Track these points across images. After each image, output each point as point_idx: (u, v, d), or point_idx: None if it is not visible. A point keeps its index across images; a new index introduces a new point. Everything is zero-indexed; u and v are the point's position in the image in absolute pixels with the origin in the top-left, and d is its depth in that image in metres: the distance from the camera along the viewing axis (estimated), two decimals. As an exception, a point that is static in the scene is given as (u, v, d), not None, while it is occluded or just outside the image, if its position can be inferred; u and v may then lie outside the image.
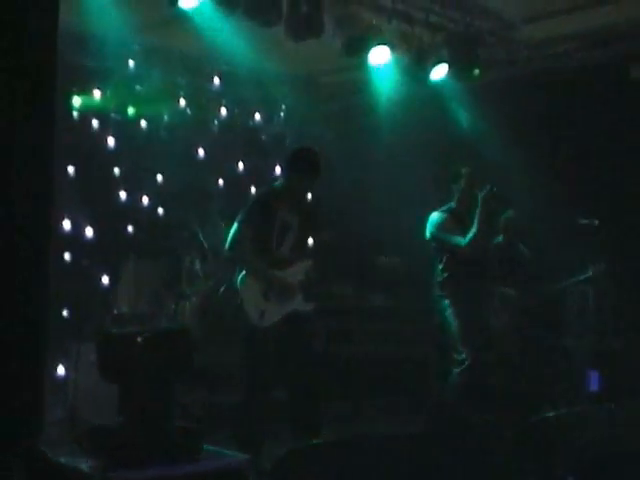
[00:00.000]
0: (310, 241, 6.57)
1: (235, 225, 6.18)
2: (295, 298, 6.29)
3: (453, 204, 7.09)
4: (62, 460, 4.23)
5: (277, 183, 6.44)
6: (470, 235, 6.82)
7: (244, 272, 6.17)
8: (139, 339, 4.16)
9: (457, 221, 6.97)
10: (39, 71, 4.64)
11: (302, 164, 6.26)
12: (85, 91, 8.47)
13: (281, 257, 6.28)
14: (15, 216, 4.51)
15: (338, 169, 9.43)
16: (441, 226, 6.98)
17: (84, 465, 4.10)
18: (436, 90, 8.72)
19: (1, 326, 4.37)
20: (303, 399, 6.18)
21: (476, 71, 8.59)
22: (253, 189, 9.14)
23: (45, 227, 4.66)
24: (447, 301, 6.96)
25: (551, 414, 5.95)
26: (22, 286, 4.47)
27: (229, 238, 6.18)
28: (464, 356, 6.75)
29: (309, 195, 7.43)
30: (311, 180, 6.33)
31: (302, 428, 6.04)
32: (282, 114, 10.07)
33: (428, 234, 7.03)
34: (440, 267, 7.04)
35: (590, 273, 7.72)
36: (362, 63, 8.16)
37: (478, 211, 6.79)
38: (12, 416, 4.29)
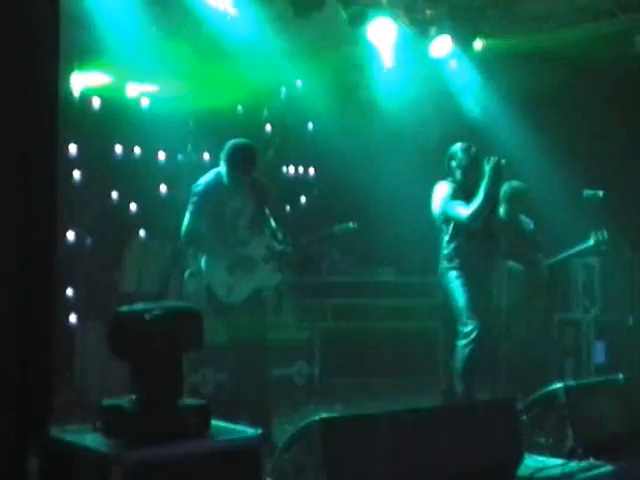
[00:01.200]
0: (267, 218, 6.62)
1: (187, 216, 6.31)
2: (260, 271, 6.38)
3: (458, 176, 7.03)
4: (73, 440, 4.21)
5: (221, 170, 6.47)
6: (475, 205, 6.77)
7: (205, 256, 6.30)
8: (148, 316, 4.15)
9: (463, 192, 6.92)
10: (43, 49, 4.59)
11: (237, 162, 6.36)
12: (85, 69, 8.38)
13: (238, 239, 6.38)
14: (20, 194, 4.47)
15: (340, 143, 9.41)
16: (446, 197, 6.92)
17: (97, 444, 4.09)
18: (439, 63, 8.68)
19: (7, 308, 4.35)
20: (252, 384, 6.24)
21: (479, 43, 8.55)
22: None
23: (51, 207, 4.63)
24: (454, 273, 6.92)
25: (559, 386, 5.94)
26: (28, 267, 4.45)
27: (183, 229, 6.33)
28: (470, 328, 6.73)
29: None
30: (247, 174, 6.41)
31: (251, 415, 6.01)
32: (283, 89, 10.02)
33: (434, 205, 6.98)
34: (446, 239, 6.99)
35: (592, 242, 7.70)
36: (364, 36, 8.12)
37: (484, 182, 6.75)
38: (20, 399, 4.28)
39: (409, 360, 8.43)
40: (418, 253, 8.33)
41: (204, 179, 6.46)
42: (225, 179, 6.40)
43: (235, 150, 6.40)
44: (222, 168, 6.44)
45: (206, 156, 9.18)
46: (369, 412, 5.31)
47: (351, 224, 6.78)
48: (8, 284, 4.28)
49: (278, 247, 6.48)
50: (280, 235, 6.56)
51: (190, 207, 6.32)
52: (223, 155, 6.42)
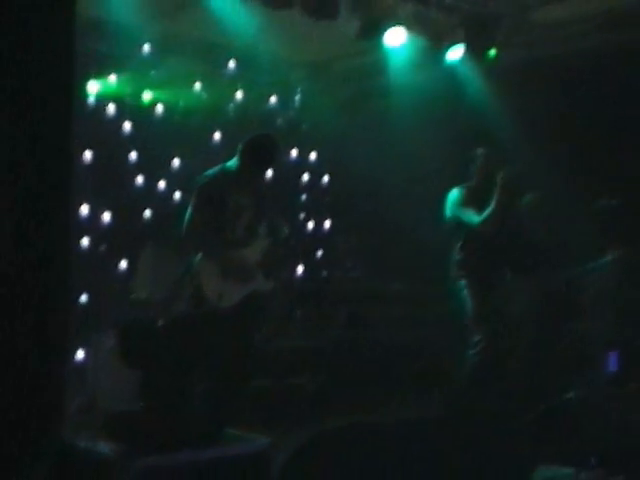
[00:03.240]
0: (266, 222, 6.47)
1: (189, 209, 6.15)
2: (254, 277, 6.22)
3: (472, 184, 7.03)
4: (85, 447, 4.24)
5: (229, 164, 6.31)
6: (486, 213, 6.75)
7: (200, 255, 6.13)
8: (160, 325, 4.18)
9: (475, 200, 6.91)
10: (58, 58, 4.62)
11: (256, 154, 6.20)
12: (101, 77, 8.44)
13: (236, 239, 6.22)
14: (35, 203, 4.51)
15: (353, 152, 9.43)
16: (458, 203, 6.92)
17: (108, 451, 4.12)
18: (452, 72, 8.68)
19: (23, 316, 4.37)
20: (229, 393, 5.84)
21: (492, 53, 8.55)
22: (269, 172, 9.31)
23: (65, 214, 4.66)
24: (463, 281, 6.91)
25: (571, 395, 5.93)
26: (43, 274, 4.48)
27: (184, 223, 6.14)
28: (479, 337, 6.71)
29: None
30: (264, 169, 6.42)
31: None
32: (297, 98, 10.05)
33: (447, 212, 6.97)
34: (458, 246, 6.98)
35: (609, 257, 7.66)
36: (377, 46, 8.15)
37: (496, 191, 6.74)
38: (33, 406, 4.31)
39: (419, 369, 8.40)
40: (431, 261, 8.32)
41: (209, 172, 6.30)
42: (233, 173, 6.23)
43: (256, 143, 6.24)
44: (233, 162, 6.28)
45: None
46: (376, 422, 5.31)
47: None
48: (23, 293, 4.32)
49: (275, 252, 6.38)
50: (283, 233, 6.48)
51: (192, 200, 6.17)
52: (242, 147, 6.22)
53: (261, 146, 6.24)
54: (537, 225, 7.97)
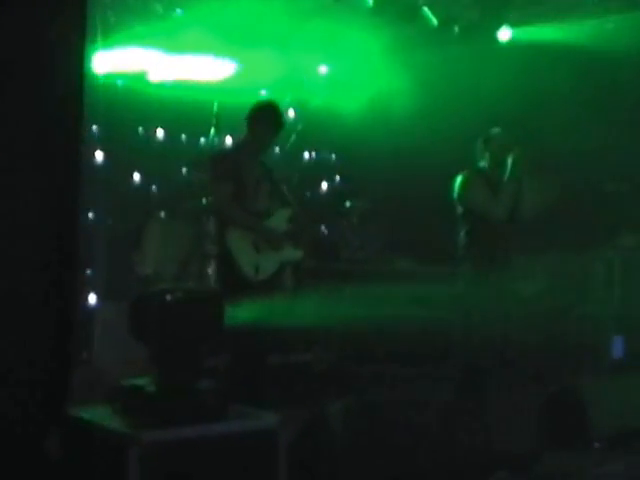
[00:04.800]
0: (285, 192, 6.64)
1: (210, 184, 6.39)
2: (285, 247, 6.34)
3: (482, 165, 6.94)
4: (91, 419, 4.23)
5: (240, 140, 6.52)
6: (497, 198, 6.70)
7: (230, 228, 6.17)
8: (169, 298, 4.15)
9: (485, 184, 6.82)
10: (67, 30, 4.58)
11: (262, 119, 6.33)
12: (109, 45, 8.33)
13: (259, 209, 6.32)
14: (42, 174, 4.48)
15: (359, 134, 9.37)
16: (466, 186, 6.84)
17: (114, 424, 4.10)
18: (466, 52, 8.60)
19: (26, 286, 4.36)
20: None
21: (504, 31, 8.45)
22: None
23: (74, 190, 4.63)
24: (469, 265, 6.87)
25: (577, 380, 5.92)
26: (49, 246, 4.46)
27: (212, 198, 6.42)
28: (485, 320, 6.67)
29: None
30: (273, 133, 6.43)
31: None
32: (307, 75, 9.98)
33: (455, 196, 6.88)
34: (464, 230, 6.91)
35: (619, 242, 7.64)
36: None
37: (507, 173, 6.68)
38: (40, 379, 4.31)
39: (427, 349, 8.39)
40: (438, 241, 8.27)
41: (221, 148, 6.62)
42: (244, 145, 6.40)
43: (259, 109, 6.39)
44: (244, 136, 6.43)
45: (229, 139, 9.14)
46: (381, 400, 5.32)
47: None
48: (30, 267, 4.30)
49: (300, 220, 6.54)
50: (294, 206, 6.61)
51: (212, 174, 6.35)
52: (248, 116, 6.39)
53: (268, 109, 6.40)
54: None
